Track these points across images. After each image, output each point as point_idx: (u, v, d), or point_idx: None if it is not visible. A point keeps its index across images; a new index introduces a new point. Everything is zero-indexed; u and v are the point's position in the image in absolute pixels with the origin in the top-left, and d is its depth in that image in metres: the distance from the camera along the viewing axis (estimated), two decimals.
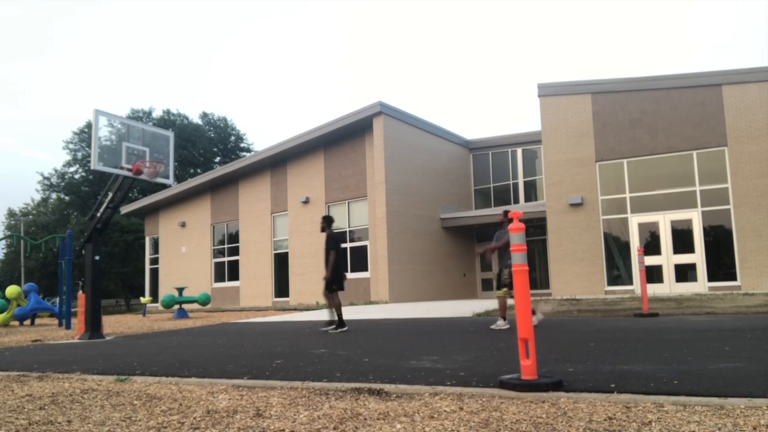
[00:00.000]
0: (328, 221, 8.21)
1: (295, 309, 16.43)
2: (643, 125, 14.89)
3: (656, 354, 4.43)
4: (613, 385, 3.22)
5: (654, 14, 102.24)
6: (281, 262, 20.34)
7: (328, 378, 3.94)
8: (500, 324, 7.19)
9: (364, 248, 18.12)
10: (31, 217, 45.81)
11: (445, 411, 2.85)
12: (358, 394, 3.35)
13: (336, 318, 7.99)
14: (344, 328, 7.92)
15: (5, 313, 14.29)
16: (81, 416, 3.12)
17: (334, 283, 7.88)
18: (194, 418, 2.96)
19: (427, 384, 3.54)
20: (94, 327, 8.87)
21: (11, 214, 48.79)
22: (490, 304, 13.00)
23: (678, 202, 14.52)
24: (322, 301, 18.57)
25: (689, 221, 14.39)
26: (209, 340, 7.73)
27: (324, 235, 8.11)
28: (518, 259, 3.37)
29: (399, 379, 3.78)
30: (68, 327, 12.25)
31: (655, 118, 14.76)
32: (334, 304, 7.95)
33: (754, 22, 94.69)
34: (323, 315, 12.46)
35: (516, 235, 3.40)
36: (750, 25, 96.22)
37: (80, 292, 9.41)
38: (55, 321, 16.13)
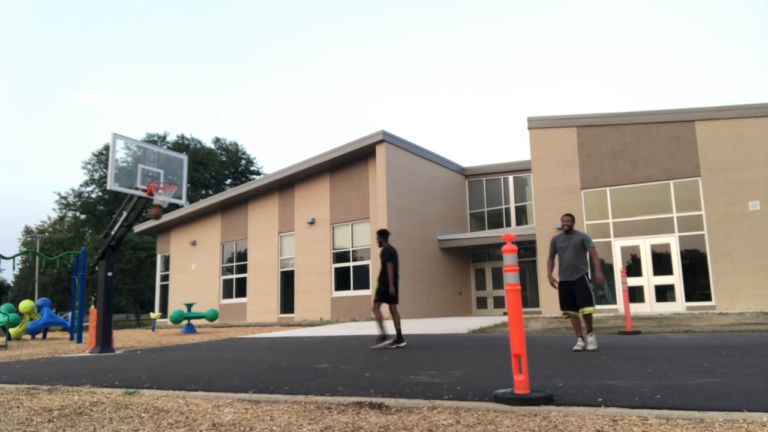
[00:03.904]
0: (384, 235, 7.45)
1: (299, 325, 16.26)
2: (624, 156, 15.08)
3: (640, 369, 4.40)
4: (600, 399, 3.20)
5: (635, 53, 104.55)
6: (287, 280, 20.20)
7: (330, 392, 3.88)
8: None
9: (366, 267, 18.06)
10: (47, 234, 45.49)
11: (442, 424, 2.82)
12: (359, 408, 3.30)
13: (388, 332, 7.27)
14: (402, 344, 7.13)
15: (18, 326, 14.06)
16: (89, 429, 3.05)
17: (390, 296, 7.14)
18: (200, 431, 2.91)
19: (425, 398, 3.50)
20: (104, 341, 8.73)
21: (28, 231, 48.50)
22: (484, 321, 12.91)
23: (657, 227, 14.61)
24: (326, 317, 18.59)
25: (667, 245, 14.45)
26: (216, 354, 7.62)
27: (380, 250, 7.24)
28: (511, 279, 3.38)
29: (399, 393, 3.74)
30: (80, 341, 12.04)
31: (635, 150, 14.96)
32: (394, 320, 7.26)
33: (728, 62, 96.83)
34: (326, 330, 12.30)
35: (509, 256, 3.42)
36: (722, 63, 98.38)
37: (92, 306, 9.26)
38: (67, 335, 15.89)
